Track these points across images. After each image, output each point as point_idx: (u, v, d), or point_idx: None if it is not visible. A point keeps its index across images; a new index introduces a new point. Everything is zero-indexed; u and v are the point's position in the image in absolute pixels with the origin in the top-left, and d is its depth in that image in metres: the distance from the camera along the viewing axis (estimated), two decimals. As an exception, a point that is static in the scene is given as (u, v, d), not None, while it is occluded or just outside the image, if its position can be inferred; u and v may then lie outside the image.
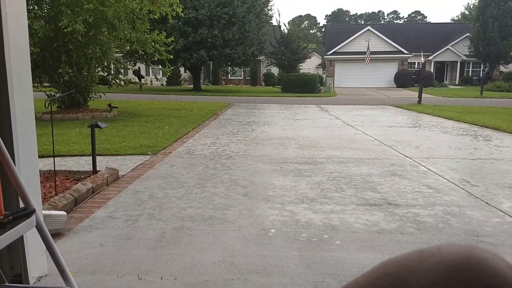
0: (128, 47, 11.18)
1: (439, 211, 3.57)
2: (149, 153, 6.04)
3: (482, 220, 3.37)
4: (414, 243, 2.90)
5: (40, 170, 3.67)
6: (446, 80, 39.62)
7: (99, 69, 10.98)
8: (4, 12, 2.04)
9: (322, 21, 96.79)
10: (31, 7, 9.22)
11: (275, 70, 39.45)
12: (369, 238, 2.95)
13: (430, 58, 37.65)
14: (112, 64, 11.29)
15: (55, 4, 9.12)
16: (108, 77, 11.38)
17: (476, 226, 3.24)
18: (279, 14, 60.47)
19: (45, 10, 9.80)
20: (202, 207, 3.61)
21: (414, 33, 41.48)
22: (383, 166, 5.35)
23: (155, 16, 10.39)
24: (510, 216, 3.48)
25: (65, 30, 8.55)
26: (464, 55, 37.26)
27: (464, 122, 10.52)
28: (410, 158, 5.93)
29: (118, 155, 5.89)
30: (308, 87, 25.01)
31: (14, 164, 1.66)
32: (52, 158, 4.28)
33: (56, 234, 2.86)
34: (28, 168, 2.16)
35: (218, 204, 3.68)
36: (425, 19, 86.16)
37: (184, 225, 3.16)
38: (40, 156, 4.52)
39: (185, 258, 2.60)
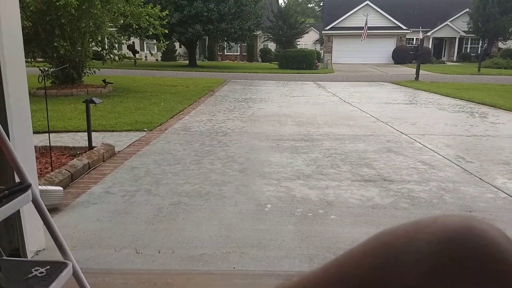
0: (122, 21, 10.96)
1: (433, 187, 3.61)
2: (145, 129, 6.01)
3: (475, 196, 3.42)
4: (408, 217, 2.94)
5: (35, 146, 3.65)
6: (444, 56, 39.31)
7: (93, 43, 10.78)
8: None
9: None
10: (21, -21, 8.95)
11: (272, 46, 38.95)
12: (364, 213, 2.99)
13: (429, 34, 37.21)
14: (106, 39, 11.08)
15: (46, -24, 8.86)
16: (102, 52, 11.19)
17: (469, 201, 3.29)
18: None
19: (36, -18, 9.52)
20: (199, 183, 3.63)
21: (413, 8, 40.79)
22: (379, 143, 5.37)
23: (149, -11, 10.15)
24: (503, 192, 3.52)
25: (58, 4, 8.34)
26: (463, 31, 36.83)
27: (461, 99, 10.51)
28: (406, 134, 5.94)
29: (113, 131, 5.86)
30: (305, 63, 24.77)
31: (9, 139, 1.65)
32: (47, 134, 4.26)
33: (53, 209, 2.87)
34: (23, 143, 2.14)
35: (215, 180, 3.70)
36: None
37: (181, 201, 3.18)
38: (35, 132, 4.50)
39: (183, 232, 2.63)
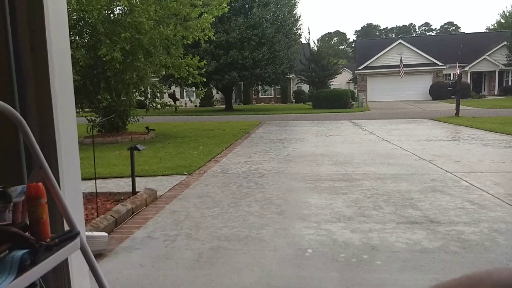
0: (163, 72, 11.59)
1: (484, 228, 3.40)
2: (185, 173, 6.15)
3: (533, 238, 3.17)
4: (459, 262, 2.76)
5: (82, 193, 3.81)
6: (484, 90, 38.13)
7: (137, 93, 11.42)
8: (49, 44, 2.18)
9: (351, 36, 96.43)
10: (73, 38, 9.77)
11: (305, 87, 39.46)
12: (411, 258, 2.84)
13: (466, 68, 36.46)
14: (148, 89, 11.72)
15: (95, 34, 9.63)
16: (145, 101, 11.81)
17: (526, 244, 3.05)
18: (309, 32, 60.68)
19: (86, 40, 10.36)
20: (237, 226, 3.61)
21: (447, 44, 40.45)
22: (422, 182, 5.17)
23: (188, 41, 10.76)
24: None
25: (104, 58, 8.98)
26: (502, 64, 35.82)
27: (506, 134, 10.03)
28: (450, 173, 5.70)
29: (155, 175, 6.04)
30: (339, 103, 24.79)
31: (59, 187, 1.74)
32: (93, 181, 4.45)
33: (98, 255, 2.94)
34: (72, 191, 2.25)
35: (253, 223, 3.68)
36: (459, 30, 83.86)
37: (221, 245, 3.17)
38: (82, 179, 4.71)
39: (223, 278, 2.60)
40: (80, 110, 10.66)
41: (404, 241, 3.15)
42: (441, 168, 6.02)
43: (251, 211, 4.08)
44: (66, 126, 2.29)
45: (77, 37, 10.12)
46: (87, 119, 10.49)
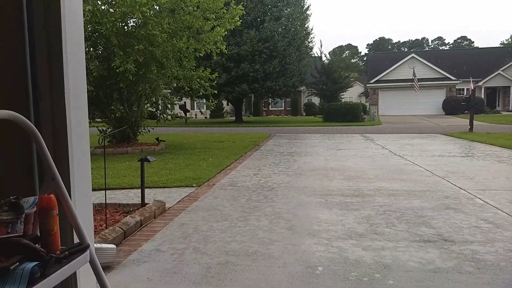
0: (175, 84, 11.71)
1: (499, 248, 3.30)
2: (194, 185, 6.14)
3: (552, 260, 3.07)
4: (474, 283, 2.68)
5: (92, 204, 3.82)
6: (498, 106, 37.69)
7: (148, 105, 11.52)
8: (65, 57, 2.20)
9: (363, 50, 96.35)
10: (87, 49, 9.95)
11: (316, 100, 39.48)
12: (425, 278, 2.76)
13: (480, 83, 36.14)
14: (160, 100, 11.82)
15: (108, 45, 9.79)
16: (156, 112, 11.91)
17: (545, 266, 2.95)
18: (321, 45, 60.96)
19: (99, 52, 10.53)
20: (246, 241, 3.57)
21: (461, 59, 40.22)
22: (436, 199, 5.08)
23: (200, 54, 10.87)
24: None
25: (117, 70, 9.11)
26: (517, 79, 35.44)
27: (523, 151, 9.85)
28: (464, 190, 5.59)
29: (165, 187, 6.03)
30: (351, 116, 24.69)
31: (70, 199, 1.74)
32: (102, 191, 4.46)
33: (106, 267, 2.92)
34: (83, 204, 2.24)
35: (262, 238, 3.63)
36: (472, 44, 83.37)
37: (229, 260, 3.13)
38: (92, 190, 4.73)
39: (231, 295, 2.55)
40: (92, 120, 10.79)
41: (417, 260, 3.08)
42: (455, 185, 5.91)
43: (260, 225, 4.04)
44: (79, 138, 2.30)
45: (91, 49, 10.30)
46: (98, 129, 10.59)
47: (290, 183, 6.27)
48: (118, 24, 9.42)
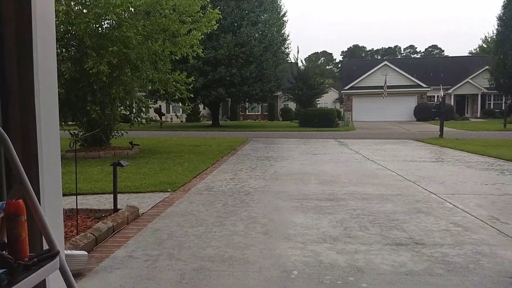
0: (150, 87, 11.54)
1: (468, 251, 3.41)
2: (169, 190, 6.06)
3: (516, 261, 3.19)
4: (444, 285, 2.75)
5: (63, 210, 3.71)
6: (467, 113, 39.10)
7: (122, 108, 11.31)
8: (35, 55, 2.14)
9: (338, 57, 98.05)
10: (59, 51, 9.69)
11: (292, 105, 39.85)
12: (397, 280, 2.82)
13: (450, 91, 37.42)
14: (134, 103, 11.62)
15: (81, 47, 9.57)
16: (130, 115, 11.69)
17: (508, 266, 3.07)
18: (298, 51, 61.66)
19: (72, 53, 10.28)
20: (221, 246, 3.55)
21: (432, 67, 41.57)
22: (407, 203, 5.20)
23: (176, 57, 10.77)
24: (546, 256, 3.28)
25: (90, 72, 8.91)
26: (484, 87, 36.90)
27: (489, 156, 10.24)
28: (435, 194, 5.76)
29: (138, 192, 5.92)
30: (326, 121, 25.05)
31: (40, 204, 1.68)
32: (74, 197, 4.34)
33: (77, 275, 2.84)
34: (53, 209, 2.18)
35: (237, 243, 3.62)
36: (443, 53, 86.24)
37: (204, 266, 3.10)
38: (63, 195, 4.59)
39: (206, 300, 2.53)
40: (63, 123, 10.49)
41: (390, 263, 3.14)
42: (425, 189, 6.08)
43: (236, 230, 4.02)
44: (49, 141, 2.24)
45: (63, 50, 10.04)
46: (70, 132, 10.32)
47: (266, 187, 6.29)
48: (91, 25, 9.22)
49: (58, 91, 2.55)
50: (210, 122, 30.28)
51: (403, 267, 3.06)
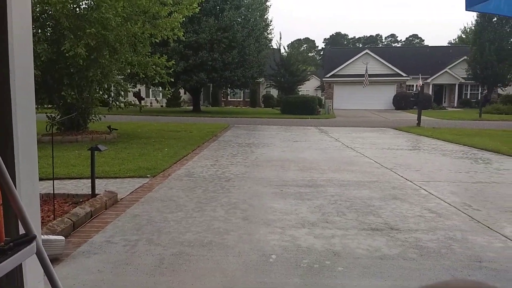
0: (129, 70, 11.31)
1: (441, 236, 3.54)
2: (148, 175, 6.02)
3: (484, 245, 3.33)
4: (417, 269, 2.86)
5: (39, 194, 3.64)
6: (444, 102, 39.94)
7: (100, 91, 11.06)
8: (10, 36, 2.07)
9: (320, 44, 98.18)
10: (35, 31, 9.37)
11: (274, 92, 39.80)
12: (372, 264, 2.91)
13: (429, 80, 38.06)
14: (112, 87, 11.38)
15: (58, 28, 9.27)
16: (108, 99, 11.45)
17: (478, 251, 3.21)
18: (280, 37, 61.21)
19: (48, 34, 9.95)
20: (201, 231, 3.57)
21: (412, 56, 42.09)
22: (383, 190, 5.33)
23: (156, 40, 10.56)
24: (513, 241, 3.44)
25: (67, 54, 8.66)
26: (462, 78, 37.69)
27: (464, 145, 10.55)
28: (410, 181, 5.91)
29: (117, 177, 5.86)
30: (307, 109, 25.17)
31: (16, 188, 1.65)
32: (51, 181, 4.26)
33: (54, 259, 2.81)
34: (29, 193, 2.14)
35: (217, 229, 3.65)
36: (423, 43, 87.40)
37: (183, 251, 3.12)
38: (39, 179, 4.51)
39: (184, 285, 2.55)
40: (40, 106, 10.21)
41: (365, 248, 3.23)
42: (401, 177, 6.23)
43: (216, 216, 4.05)
44: (25, 124, 2.18)
45: (39, 31, 9.70)
46: (46, 115, 10.06)
47: (247, 173, 6.32)
48: (69, 5, 8.92)
49: (34, 73, 2.47)
50: (191, 107, 29.98)
51: (378, 252, 3.15)
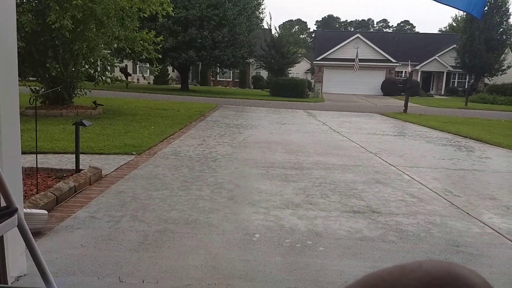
0: (116, 45, 11.06)
1: (421, 220, 3.63)
2: (134, 153, 5.98)
3: (462, 231, 3.43)
4: (396, 251, 2.93)
5: (21, 167, 3.59)
6: (432, 90, 40.28)
7: (86, 65, 10.83)
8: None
9: (312, 26, 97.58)
10: (19, 1, 9.05)
11: (264, 73, 39.52)
12: (352, 245, 2.98)
13: (418, 67, 38.25)
14: (99, 61, 11.14)
15: (44, -2, 8.98)
16: (94, 74, 11.23)
17: (456, 236, 3.30)
18: (270, 18, 60.49)
19: (33, 4, 9.63)
20: (186, 209, 3.59)
21: (402, 42, 42.09)
22: (367, 174, 5.41)
23: (145, 14, 10.31)
24: (489, 227, 3.55)
25: (53, 26, 8.41)
26: (450, 66, 37.96)
27: (448, 132, 10.71)
28: (394, 166, 6.00)
29: (102, 154, 5.81)
30: (296, 92, 25.11)
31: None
32: (34, 155, 4.20)
33: (37, 233, 2.80)
34: (11, 165, 2.11)
35: (202, 207, 3.67)
36: (414, 29, 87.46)
37: (168, 228, 3.13)
38: (22, 153, 4.43)
39: (168, 261, 2.58)
40: (23, 79, 9.96)
41: (347, 229, 3.30)
42: (385, 162, 6.32)
43: (202, 195, 4.07)
44: (8, 96, 2.13)
45: (24, 0, 9.38)
46: (30, 88, 9.84)
47: (234, 154, 6.33)
48: (54, -26, 8.62)
49: (18, 44, 2.40)
50: (179, 85, 29.63)
51: (359, 233, 3.22)
